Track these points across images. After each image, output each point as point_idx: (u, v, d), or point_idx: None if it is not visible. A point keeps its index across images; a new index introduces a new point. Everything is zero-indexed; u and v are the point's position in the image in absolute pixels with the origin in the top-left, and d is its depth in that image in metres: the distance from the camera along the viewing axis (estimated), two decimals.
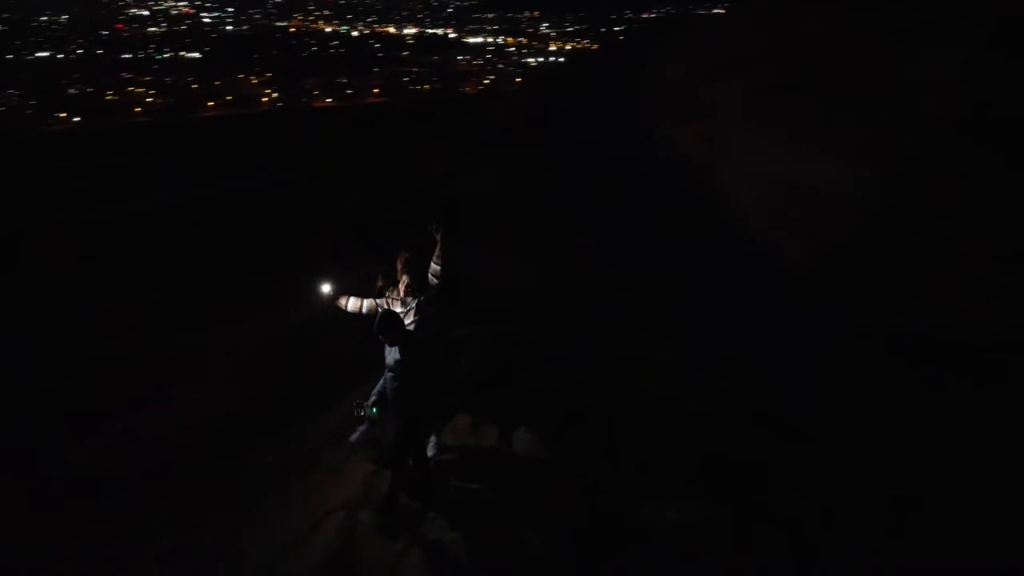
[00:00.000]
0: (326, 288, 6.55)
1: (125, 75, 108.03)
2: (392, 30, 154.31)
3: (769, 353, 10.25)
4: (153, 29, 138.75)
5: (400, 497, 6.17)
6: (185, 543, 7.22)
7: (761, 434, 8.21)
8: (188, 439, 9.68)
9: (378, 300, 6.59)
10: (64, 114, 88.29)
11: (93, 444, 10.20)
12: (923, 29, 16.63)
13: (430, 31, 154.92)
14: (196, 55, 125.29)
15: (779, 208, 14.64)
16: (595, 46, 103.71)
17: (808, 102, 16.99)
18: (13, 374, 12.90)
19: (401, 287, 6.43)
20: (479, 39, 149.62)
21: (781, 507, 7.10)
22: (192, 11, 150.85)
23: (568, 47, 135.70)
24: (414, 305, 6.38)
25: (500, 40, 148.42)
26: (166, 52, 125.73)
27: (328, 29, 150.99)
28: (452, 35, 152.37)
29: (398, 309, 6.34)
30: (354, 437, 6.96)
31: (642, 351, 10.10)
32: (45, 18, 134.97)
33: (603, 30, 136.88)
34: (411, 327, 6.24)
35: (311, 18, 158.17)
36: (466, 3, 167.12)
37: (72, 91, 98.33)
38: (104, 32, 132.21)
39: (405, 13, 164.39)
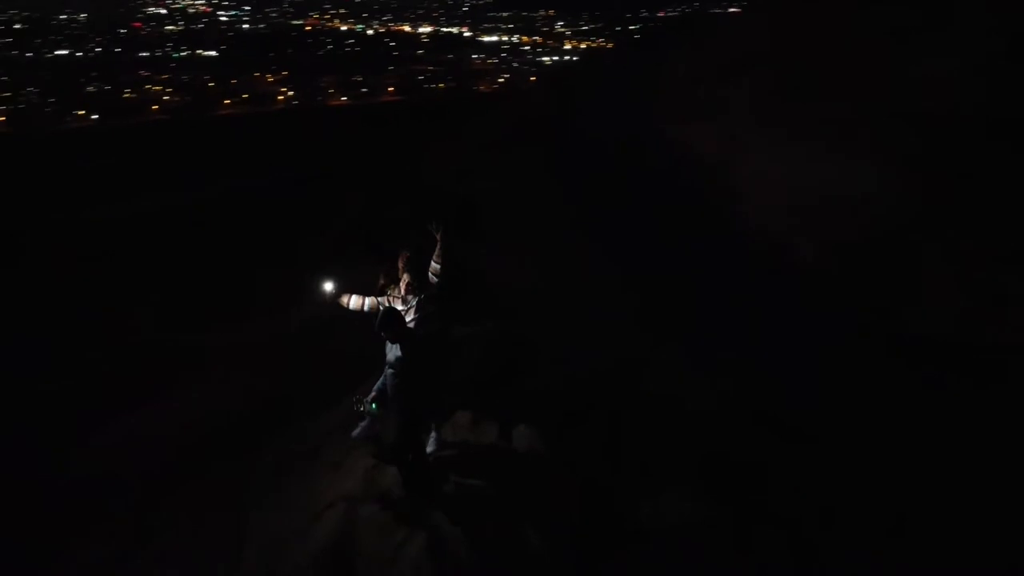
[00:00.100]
0: (328, 286, 6.63)
1: (143, 73, 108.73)
2: (407, 29, 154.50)
3: (769, 353, 10.27)
4: (170, 27, 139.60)
5: (403, 491, 6.23)
6: (185, 543, 7.27)
7: (761, 434, 8.22)
8: (188, 439, 9.71)
9: (379, 298, 6.67)
10: (83, 112, 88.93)
11: (94, 444, 10.25)
12: (927, 29, 16.53)
13: (445, 30, 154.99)
14: (213, 53, 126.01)
15: (784, 208, 14.61)
16: (610, 45, 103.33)
17: (819, 102, 16.93)
18: (14, 374, 12.91)
19: (402, 285, 6.53)
20: (494, 38, 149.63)
21: (781, 507, 7.11)
22: (209, 9, 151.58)
23: (583, 46, 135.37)
24: (415, 303, 6.49)
25: (515, 39, 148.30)
26: (183, 50, 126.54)
27: (344, 28, 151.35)
28: (467, 34, 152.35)
29: (399, 307, 6.43)
30: (355, 432, 7.04)
31: (644, 351, 10.12)
32: (64, 16, 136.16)
33: (618, 29, 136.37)
34: (412, 325, 6.32)
35: (327, 16, 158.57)
36: (481, 2, 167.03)
37: (90, 89, 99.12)
38: (122, 30, 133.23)
39: (420, 12, 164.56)
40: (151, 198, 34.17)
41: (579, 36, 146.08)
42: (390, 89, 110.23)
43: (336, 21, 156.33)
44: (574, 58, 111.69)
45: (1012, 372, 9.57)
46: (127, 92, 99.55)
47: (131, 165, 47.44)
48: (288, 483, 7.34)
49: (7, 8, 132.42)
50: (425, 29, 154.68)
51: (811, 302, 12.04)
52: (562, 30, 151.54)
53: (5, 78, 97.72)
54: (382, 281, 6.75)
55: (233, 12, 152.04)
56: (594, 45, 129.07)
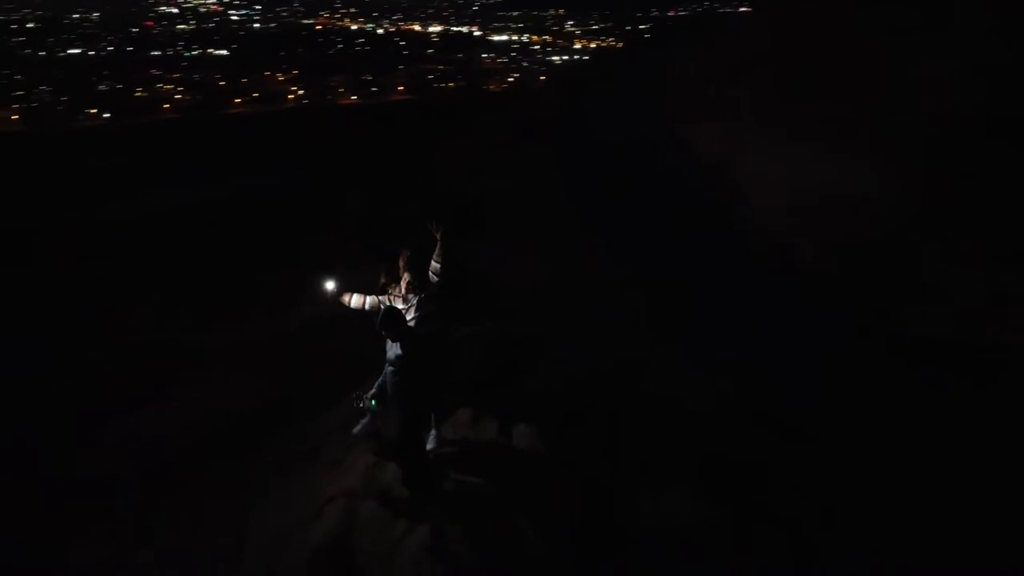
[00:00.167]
0: (330, 285, 6.69)
1: (154, 72, 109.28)
2: (417, 28, 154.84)
3: (770, 353, 10.27)
4: (182, 26, 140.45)
5: (403, 488, 6.28)
6: (185, 543, 7.30)
7: (761, 434, 8.22)
8: (188, 439, 9.72)
9: (380, 297, 6.74)
10: (95, 110, 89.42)
11: (94, 444, 10.25)
12: (927, 29, 16.50)
13: (455, 29, 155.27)
14: (224, 52, 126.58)
15: (785, 208, 14.61)
16: (620, 44, 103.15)
17: (819, 102, 16.92)
18: (15, 374, 12.84)
19: (403, 284, 6.59)
20: (504, 37, 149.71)
21: (781, 507, 7.10)
22: (220, 8, 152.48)
23: (593, 45, 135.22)
24: (415, 302, 6.57)
25: (525, 38, 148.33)
26: (194, 49, 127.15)
27: (354, 27, 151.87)
28: (477, 33, 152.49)
29: (400, 306, 6.50)
30: (357, 429, 7.11)
31: (644, 351, 10.14)
32: (77, 16, 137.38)
33: (628, 28, 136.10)
34: (412, 323, 6.39)
35: (337, 16, 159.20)
36: (491, 1, 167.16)
37: (102, 88, 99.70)
38: (134, 29, 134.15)
39: (431, 11, 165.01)
40: (161, 197, 34.15)
41: (589, 35, 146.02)
42: (400, 88, 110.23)
43: (346, 20, 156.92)
44: (584, 58, 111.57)
45: (1012, 372, 9.53)
46: (139, 91, 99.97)
47: (141, 164, 47.50)
48: (288, 481, 7.39)
49: (21, 7, 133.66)
50: (435, 28, 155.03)
51: (811, 302, 12.03)
52: (572, 29, 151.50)
53: (18, 77, 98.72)
54: (383, 280, 6.83)
55: (244, 11, 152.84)
56: (604, 45, 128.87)
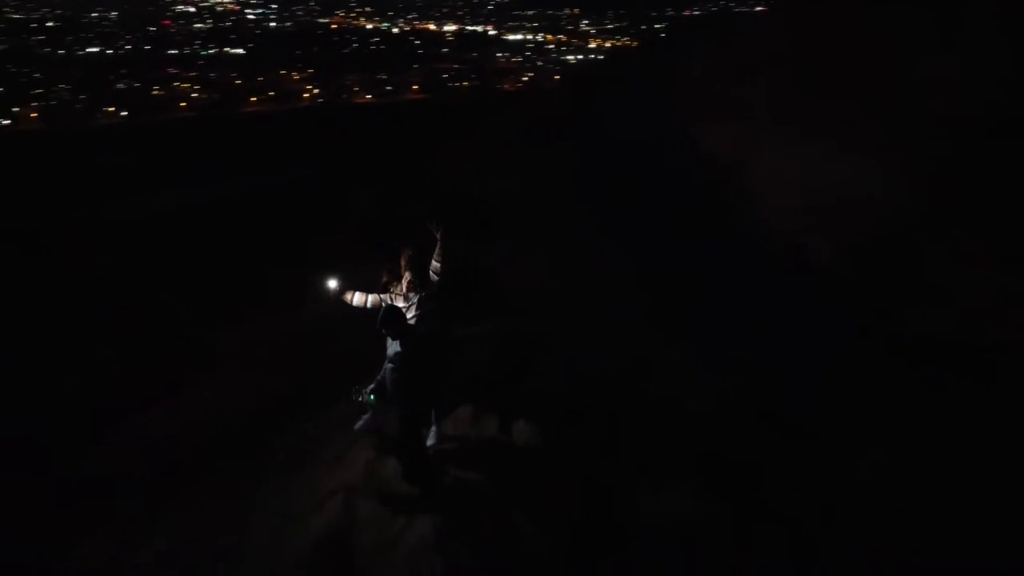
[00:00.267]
0: (332, 283, 6.77)
1: (171, 70, 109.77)
2: (432, 27, 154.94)
3: (778, 353, 10.24)
4: (199, 25, 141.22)
5: (403, 483, 6.34)
6: (187, 542, 7.33)
7: (761, 432, 8.20)
8: (199, 437, 9.71)
9: (382, 295, 6.81)
10: (112, 108, 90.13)
11: (106, 443, 10.26)
12: (936, 30, 16.39)
13: (470, 28, 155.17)
14: (240, 51, 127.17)
15: (796, 208, 14.57)
16: (635, 44, 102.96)
17: (830, 102, 16.86)
18: (27, 372, 12.88)
19: (404, 283, 6.68)
20: (519, 36, 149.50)
21: (781, 505, 7.09)
22: (237, 8, 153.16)
23: (608, 45, 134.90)
24: (415, 300, 6.65)
25: (539, 37, 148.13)
26: (211, 48, 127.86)
27: (369, 26, 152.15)
28: (492, 32, 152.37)
29: (400, 304, 6.58)
30: (359, 425, 7.19)
31: (653, 350, 10.13)
32: (95, 14, 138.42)
33: (643, 27, 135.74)
34: (412, 321, 6.47)
35: (353, 15, 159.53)
36: (506, 0, 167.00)
37: (120, 86, 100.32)
38: (152, 28, 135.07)
39: (445, 10, 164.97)
40: (169, 195, 34.33)
41: (604, 35, 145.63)
42: (414, 87, 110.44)
43: (362, 19, 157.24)
44: (599, 57, 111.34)
45: (1013, 372, 9.49)
46: (156, 89, 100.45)
47: (154, 162, 47.78)
48: (290, 478, 7.46)
49: (40, 6, 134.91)
50: (450, 27, 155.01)
51: (819, 302, 11.99)
52: (587, 28, 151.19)
53: (38, 75, 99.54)
54: (385, 278, 6.92)
55: (260, 10, 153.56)
56: (619, 44, 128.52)
